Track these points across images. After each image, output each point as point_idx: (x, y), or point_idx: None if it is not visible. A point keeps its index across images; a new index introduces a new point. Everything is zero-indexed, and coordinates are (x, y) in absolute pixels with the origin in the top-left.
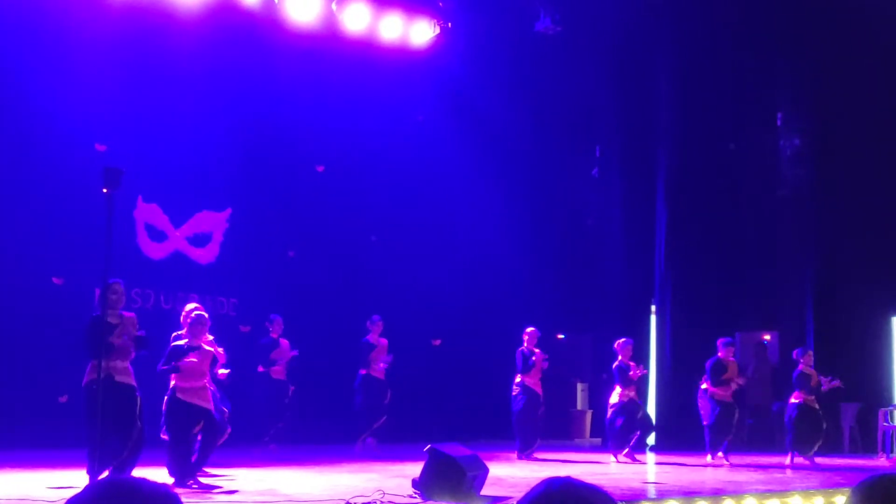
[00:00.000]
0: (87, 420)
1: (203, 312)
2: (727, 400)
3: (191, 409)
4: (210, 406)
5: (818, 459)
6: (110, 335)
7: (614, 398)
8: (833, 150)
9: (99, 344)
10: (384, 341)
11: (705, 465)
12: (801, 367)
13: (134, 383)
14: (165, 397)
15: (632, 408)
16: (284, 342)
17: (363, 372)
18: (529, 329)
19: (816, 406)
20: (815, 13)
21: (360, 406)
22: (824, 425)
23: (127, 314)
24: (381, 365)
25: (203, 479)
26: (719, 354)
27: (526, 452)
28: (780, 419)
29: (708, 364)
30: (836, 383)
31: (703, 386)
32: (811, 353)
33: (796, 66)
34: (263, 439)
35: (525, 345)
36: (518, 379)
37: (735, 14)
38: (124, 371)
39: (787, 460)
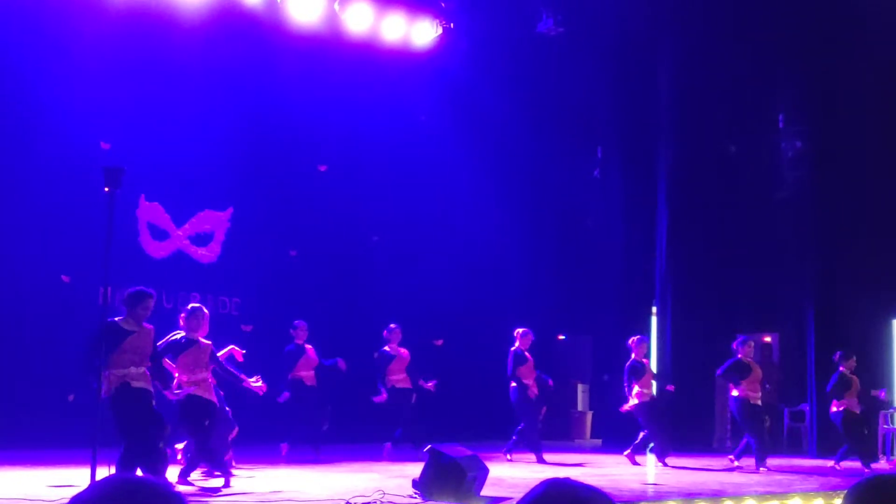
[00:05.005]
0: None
1: (200, 306)
2: (757, 403)
3: (201, 401)
4: (214, 398)
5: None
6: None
7: (633, 399)
8: (834, 153)
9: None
10: (405, 352)
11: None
12: (841, 369)
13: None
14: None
15: (651, 406)
16: (310, 348)
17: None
18: (520, 330)
19: (857, 411)
20: (816, 15)
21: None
22: (866, 431)
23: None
24: (402, 376)
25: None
26: (738, 355)
27: (537, 454)
28: (785, 422)
29: (726, 364)
30: (882, 394)
31: (735, 393)
32: (854, 358)
33: (798, 68)
34: (311, 444)
35: (517, 345)
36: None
37: (736, 16)
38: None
39: (836, 464)
